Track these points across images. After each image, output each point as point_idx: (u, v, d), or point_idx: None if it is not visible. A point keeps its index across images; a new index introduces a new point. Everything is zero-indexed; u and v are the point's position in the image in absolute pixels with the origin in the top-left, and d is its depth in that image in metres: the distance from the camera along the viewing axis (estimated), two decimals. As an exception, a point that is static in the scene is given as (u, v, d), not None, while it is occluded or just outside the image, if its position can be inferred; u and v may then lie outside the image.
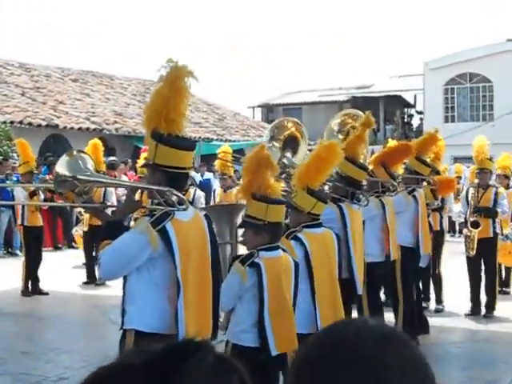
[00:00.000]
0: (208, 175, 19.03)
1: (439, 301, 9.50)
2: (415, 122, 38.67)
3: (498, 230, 9.42)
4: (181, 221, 3.83)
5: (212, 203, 11.83)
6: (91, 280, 11.46)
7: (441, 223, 9.63)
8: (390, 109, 36.91)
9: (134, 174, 16.44)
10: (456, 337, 8.48)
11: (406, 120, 39.28)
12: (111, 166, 12.78)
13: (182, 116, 3.88)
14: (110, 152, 18.18)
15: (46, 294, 10.70)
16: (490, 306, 9.13)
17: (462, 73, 32.21)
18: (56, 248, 15.77)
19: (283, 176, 6.27)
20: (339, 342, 1.08)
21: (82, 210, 10.97)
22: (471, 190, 9.47)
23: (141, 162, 10.50)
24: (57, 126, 21.04)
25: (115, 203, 10.13)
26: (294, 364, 1.11)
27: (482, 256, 9.19)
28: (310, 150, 7.36)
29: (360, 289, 6.03)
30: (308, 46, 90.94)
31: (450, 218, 11.37)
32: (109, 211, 5.46)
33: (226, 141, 23.49)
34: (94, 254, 11.27)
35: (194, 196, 9.86)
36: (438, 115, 31.62)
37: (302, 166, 5.35)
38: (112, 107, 25.30)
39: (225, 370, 1.03)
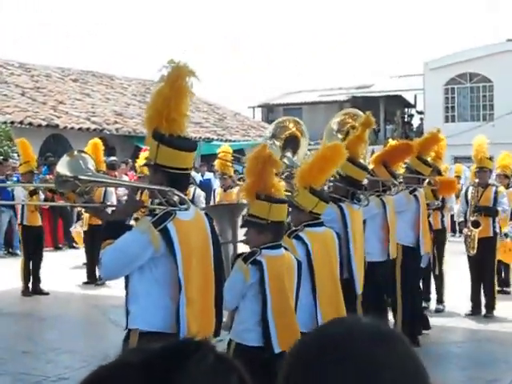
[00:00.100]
0: (208, 175, 19.06)
1: (440, 300, 9.50)
2: (415, 121, 38.70)
3: (497, 230, 9.42)
4: (182, 220, 3.83)
5: (212, 203, 11.84)
6: (91, 280, 11.47)
7: (442, 222, 9.62)
8: (390, 109, 36.92)
9: (134, 173, 16.44)
10: (457, 336, 8.48)
11: (406, 120, 39.29)
12: (111, 166, 12.78)
13: (183, 116, 3.88)
14: (111, 152, 18.19)
15: (47, 293, 10.70)
16: (490, 306, 9.13)
17: (462, 73, 32.21)
18: (56, 248, 15.78)
19: (286, 175, 6.27)
20: (331, 341, 1.09)
21: (83, 210, 10.97)
22: (470, 189, 9.47)
23: (140, 161, 10.52)
24: (57, 126, 21.05)
25: (115, 203, 10.13)
26: (286, 361, 1.12)
27: (482, 255, 9.18)
28: (309, 150, 7.37)
29: (359, 289, 6.03)
30: (308, 46, 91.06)
31: (452, 216, 11.36)
32: (109, 211, 5.45)
33: (226, 141, 23.50)
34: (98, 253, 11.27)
35: (193, 195, 9.87)
36: (438, 115, 31.62)
37: (305, 165, 5.37)
38: (112, 107, 25.31)
39: (224, 369, 1.02)
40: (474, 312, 9.16)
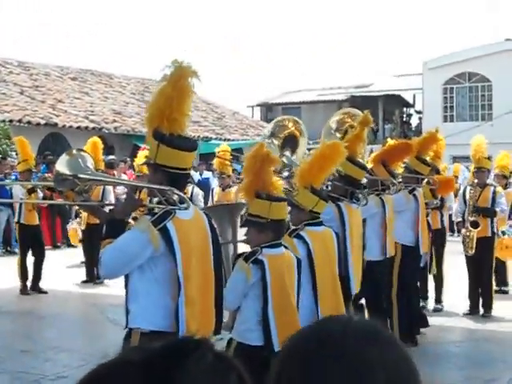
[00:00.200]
0: (207, 174, 19.05)
1: (438, 300, 9.50)
2: (414, 121, 38.69)
3: (495, 230, 9.43)
4: (182, 219, 3.83)
5: (210, 202, 11.84)
6: (90, 279, 11.47)
7: (442, 222, 9.62)
8: (388, 108, 36.91)
9: (132, 172, 16.45)
10: (455, 336, 8.49)
11: (404, 119, 39.28)
12: (110, 165, 12.77)
13: (184, 116, 3.88)
14: (109, 151, 18.19)
15: (45, 292, 10.70)
16: (488, 306, 9.14)
17: (460, 72, 32.22)
18: (55, 247, 15.77)
19: (287, 174, 6.27)
20: (325, 338, 1.09)
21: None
22: (468, 189, 9.47)
23: (139, 160, 10.51)
24: (56, 124, 21.04)
25: (113, 202, 10.12)
26: (279, 357, 1.12)
27: (480, 255, 9.19)
28: (308, 149, 7.37)
29: (354, 288, 6.03)
30: (308, 46, 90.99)
31: (450, 216, 11.36)
32: (106, 209, 5.45)
33: (224, 140, 23.51)
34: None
35: (191, 194, 9.87)
36: (436, 115, 31.63)
37: (305, 164, 5.37)
38: (111, 106, 25.30)
39: (224, 367, 1.03)
40: (472, 311, 9.17)
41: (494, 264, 9.39)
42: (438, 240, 9.36)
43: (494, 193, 9.33)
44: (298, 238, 5.03)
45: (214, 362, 1.01)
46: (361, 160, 6.80)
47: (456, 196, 10.80)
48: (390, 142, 8.79)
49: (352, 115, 7.74)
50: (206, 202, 11.70)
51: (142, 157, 9.91)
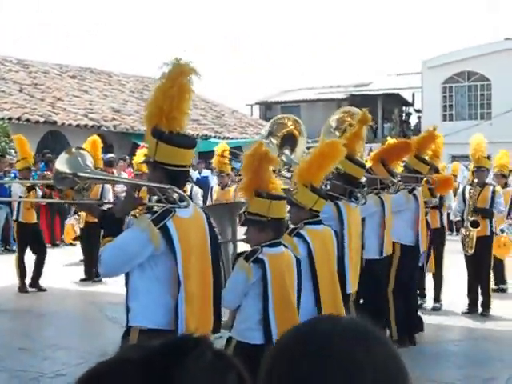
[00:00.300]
0: (206, 172, 19.03)
1: (437, 299, 9.50)
2: (413, 120, 38.65)
3: (494, 230, 9.43)
4: (182, 218, 3.82)
5: (209, 200, 11.84)
6: (89, 277, 11.47)
7: (441, 221, 9.62)
8: (388, 107, 36.90)
9: (131, 170, 16.45)
10: (454, 335, 8.50)
11: (404, 118, 39.26)
12: (109, 163, 12.79)
13: (183, 114, 3.87)
14: (108, 149, 18.19)
15: (44, 290, 10.70)
16: (486, 305, 9.14)
17: (460, 71, 32.22)
18: (54, 245, 15.76)
19: (291, 176, 6.27)
20: (313, 338, 1.11)
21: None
22: (468, 189, 9.47)
23: (137, 158, 10.51)
24: (55, 122, 21.02)
25: (112, 200, 10.12)
26: (269, 354, 1.13)
27: (479, 254, 9.19)
28: (308, 148, 7.36)
29: (350, 287, 6.02)
30: (308, 46, 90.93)
31: (448, 215, 11.37)
32: (105, 208, 5.45)
33: (224, 138, 23.51)
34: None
35: (190, 193, 9.86)
36: (436, 113, 31.63)
37: (304, 162, 5.36)
38: (110, 104, 25.28)
39: (223, 365, 1.03)
40: (471, 310, 9.17)
41: (492, 263, 9.40)
42: (438, 239, 9.35)
43: (494, 192, 9.34)
44: (298, 236, 5.02)
45: (213, 360, 1.01)
46: (360, 159, 6.80)
47: (455, 195, 10.80)
48: (390, 140, 8.79)
49: (352, 114, 7.73)
50: (205, 201, 11.70)
51: (140, 155, 9.90)
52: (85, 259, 11.71)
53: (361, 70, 78.79)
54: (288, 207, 4.97)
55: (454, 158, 23.93)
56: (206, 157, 18.38)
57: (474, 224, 9.15)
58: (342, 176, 6.33)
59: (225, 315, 4.59)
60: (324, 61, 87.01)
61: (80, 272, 11.67)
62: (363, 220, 6.61)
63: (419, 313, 8.13)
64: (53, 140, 20.78)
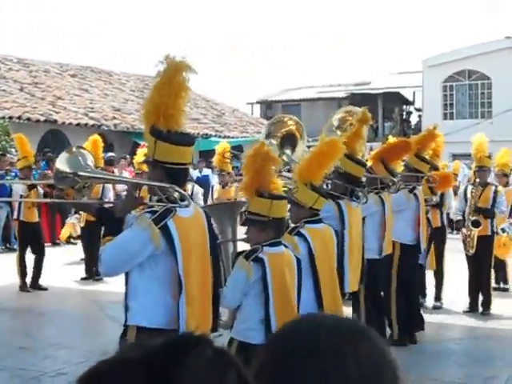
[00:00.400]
0: (206, 171, 19.03)
1: (438, 298, 9.50)
2: (414, 119, 38.63)
3: (495, 229, 9.43)
4: (182, 217, 3.82)
5: (210, 199, 11.84)
6: (89, 276, 11.47)
7: (441, 220, 9.61)
8: (388, 106, 36.87)
9: (132, 169, 16.45)
10: (455, 333, 8.49)
11: (404, 117, 39.24)
12: (109, 162, 12.78)
13: (180, 111, 3.87)
14: (109, 148, 18.17)
15: (45, 289, 10.71)
16: (486, 304, 9.14)
17: (460, 70, 32.20)
18: (54, 244, 15.76)
19: (289, 174, 6.27)
20: (299, 336, 1.12)
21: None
22: (470, 188, 9.46)
23: (138, 157, 10.51)
24: (55, 121, 21.03)
25: (112, 199, 10.12)
26: (259, 355, 1.14)
27: (480, 253, 9.18)
28: (308, 147, 7.35)
29: (348, 287, 6.02)
30: (308, 46, 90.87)
31: (448, 214, 11.37)
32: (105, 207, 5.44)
33: (224, 137, 23.49)
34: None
35: (192, 192, 9.86)
36: (436, 112, 31.60)
37: (303, 161, 5.36)
38: (110, 103, 25.28)
39: (223, 363, 1.03)
40: (472, 309, 9.17)
41: (492, 262, 9.40)
42: (439, 238, 9.35)
43: (495, 192, 9.33)
44: (298, 235, 5.02)
45: (213, 358, 1.02)
46: (360, 158, 6.80)
47: (456, 194, 10.79)
48: (391, 139, 8.78)
49: (354, 114, 7.73)
50: (205, 200, 11.70)
51: (141, 154, 9.91)
52: (86, 258, 11.71)
53: (361, 69, 78.75)
54: (288, 206, 4.97)
55: (455, 157, 23.91)
56: (206, 156, 18.38)
57: (476, 224, 9.14)
58: (342, 175, 6.33)
59: (224, 315, 4.59)
60: (324, 60, 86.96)
61: (81, 271, 11.67)
62: (363, 219, 6.60)
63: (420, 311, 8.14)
64: (53, 139, 20.79)
